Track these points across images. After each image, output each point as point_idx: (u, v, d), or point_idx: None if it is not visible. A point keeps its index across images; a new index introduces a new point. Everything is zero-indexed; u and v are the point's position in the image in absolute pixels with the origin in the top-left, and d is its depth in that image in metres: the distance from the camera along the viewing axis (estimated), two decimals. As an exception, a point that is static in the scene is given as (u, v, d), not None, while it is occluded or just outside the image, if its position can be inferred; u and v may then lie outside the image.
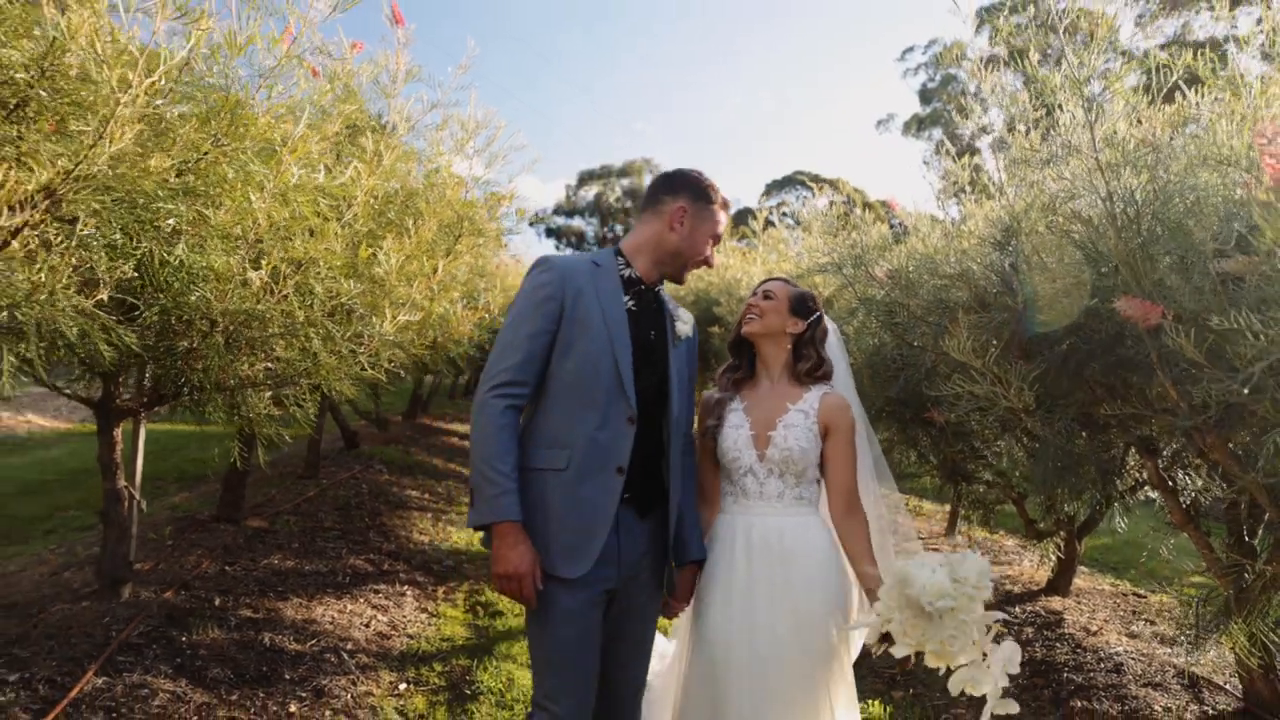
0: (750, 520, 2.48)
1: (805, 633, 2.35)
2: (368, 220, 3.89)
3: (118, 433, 3.87)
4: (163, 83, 2.20)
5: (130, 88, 2.14)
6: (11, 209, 2.07)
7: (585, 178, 49.96)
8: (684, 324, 2.53)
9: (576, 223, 49.59)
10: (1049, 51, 2.60)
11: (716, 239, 2.49)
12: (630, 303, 2.38)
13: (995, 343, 2.66)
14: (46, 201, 2.10)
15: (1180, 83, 2.55)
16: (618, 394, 2.27)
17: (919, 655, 2.09)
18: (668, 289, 2.62)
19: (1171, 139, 2.42)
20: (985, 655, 2.04)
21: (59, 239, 2.30)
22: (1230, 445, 2.16)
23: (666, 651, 2.89)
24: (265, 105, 3.09)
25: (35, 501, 7.27)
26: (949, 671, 2.08)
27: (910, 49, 34.74)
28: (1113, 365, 2.45)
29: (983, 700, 2.03)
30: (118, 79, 2.14)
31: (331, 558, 5.34)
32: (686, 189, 2.43)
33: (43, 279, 2.31)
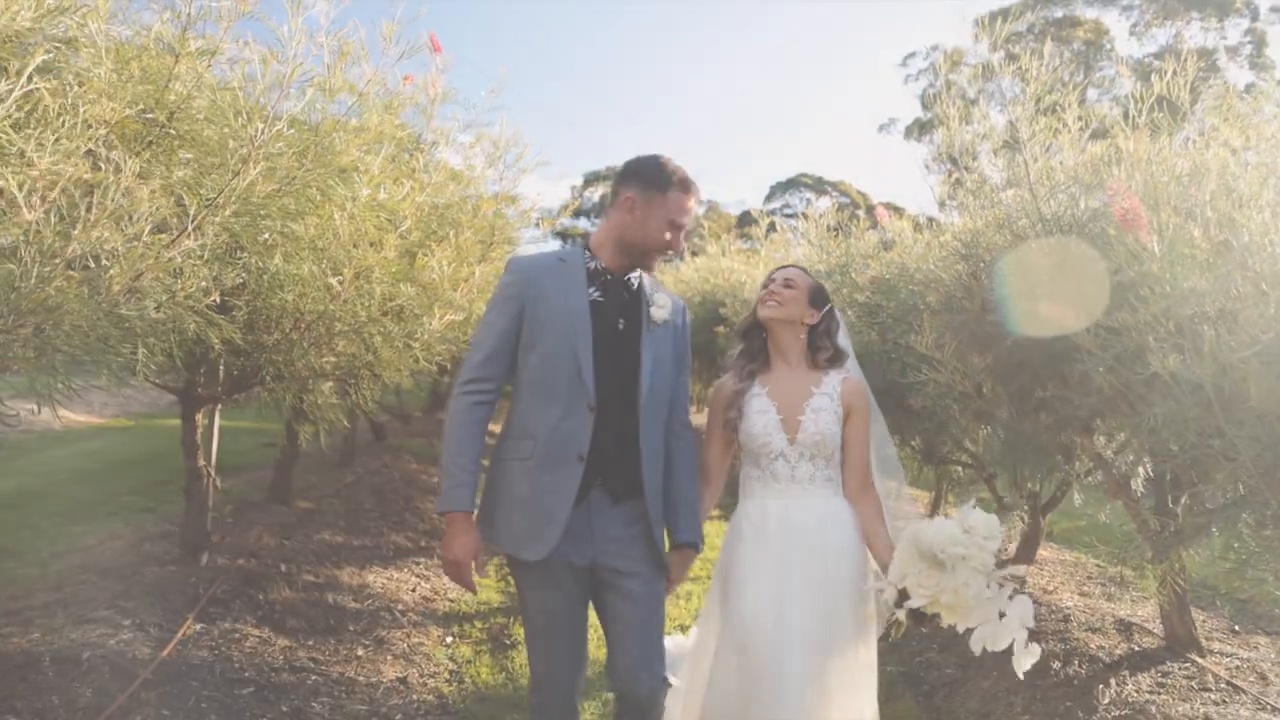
0: (785, 503, 2.52)
1: (839, 605, 2.44)
2: (417, 231, 4.45)
3: (199, 417, 4.42)
4: (286, 130, 2.76)
5: (260, 132, 2.71)
6: (166, 230, 2.64)
7: (591, 179, 50.10)
8: (660, 309, 2.48)
9: (583, 224, 49.82)
10: (998, 96, 3.14)
11: (676, 225, 2.39)
12: (596, 294, 2.39)
13: (958, 338, 3.21)
14: (194, 226, 2.65)
15: (1111, 124, 3.09)
16: (578, 385, 2.31)
17: (935, 616, 2.18)
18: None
19: (1099, 172, 2.96)
20: (1002, 615, 2.13)
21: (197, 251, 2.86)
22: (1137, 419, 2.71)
23: (686, 647, 2.98)
24: (341, 136, 3.64)
25: (90, 488, 7.74)
26: (966, 636, 2.17)
27: (912, 54, 35.33)
28: (1049, 357, 2.99)
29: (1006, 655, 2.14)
30: (252, 129, 2.71)
31: (374, 535, 5.90)
32: (635, 178, 2.40)
33: (180, 285, 2.86)
